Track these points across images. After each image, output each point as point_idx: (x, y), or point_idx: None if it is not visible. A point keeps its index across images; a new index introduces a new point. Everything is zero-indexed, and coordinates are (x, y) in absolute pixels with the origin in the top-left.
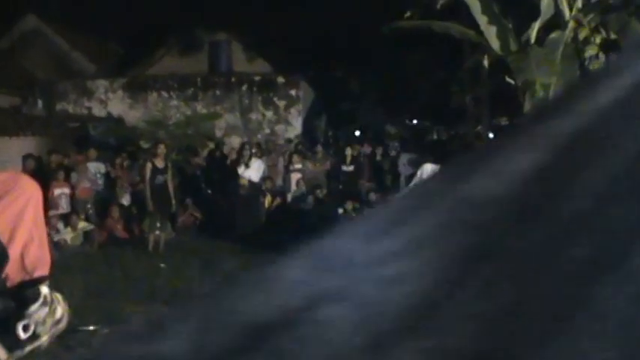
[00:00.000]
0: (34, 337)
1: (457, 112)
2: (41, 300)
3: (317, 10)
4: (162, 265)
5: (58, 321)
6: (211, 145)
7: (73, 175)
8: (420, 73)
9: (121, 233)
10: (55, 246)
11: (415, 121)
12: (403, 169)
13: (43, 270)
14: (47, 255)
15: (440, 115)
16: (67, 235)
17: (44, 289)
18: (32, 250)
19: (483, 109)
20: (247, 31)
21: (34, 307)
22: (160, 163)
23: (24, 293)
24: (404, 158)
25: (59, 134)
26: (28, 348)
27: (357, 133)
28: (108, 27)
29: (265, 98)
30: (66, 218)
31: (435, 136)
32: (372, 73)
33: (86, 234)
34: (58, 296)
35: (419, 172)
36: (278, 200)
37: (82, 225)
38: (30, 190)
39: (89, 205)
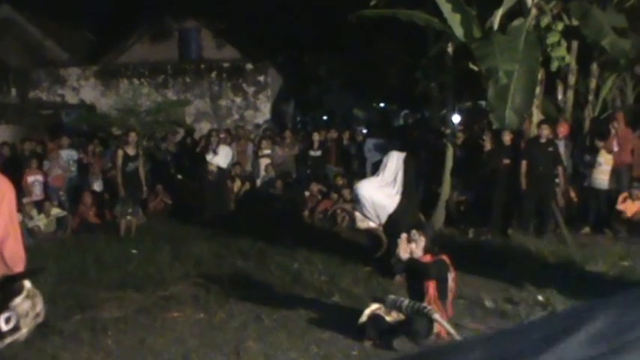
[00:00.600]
0: (15, 329)
1: (423, 96)
2: (25, 293)
3: None
4: (133, 251)
5: (38, 314)
6: (181, 132)
7: (46, 163)
8: (386, 57)
9: (93, 219)
10: (29, 233)
11: (382, 105)
12: (369, 154)
13: (20, 266)
14: (22, 251)
15: (406, 99)
16: (40, 221)
17: (27, 283)
18: (9, 245)
19: (448, 94)
20: (216, 18)
21: (17, 300)
22: (131, 151)
23: (8, 287)
24: (369, 143)
25: (32, 122)
26: (9, 340)
27: (325, 117)
28: (81, 15)
29: (234, 85)
30: (39, 205)
31: (402, 121)
32: (340, 58)
33: (59, 220)
34: (37, 291)
35: (385, 159)
36: (247, 185)
37: (55, 211)
38: (4, 186)
39: (62, 192)
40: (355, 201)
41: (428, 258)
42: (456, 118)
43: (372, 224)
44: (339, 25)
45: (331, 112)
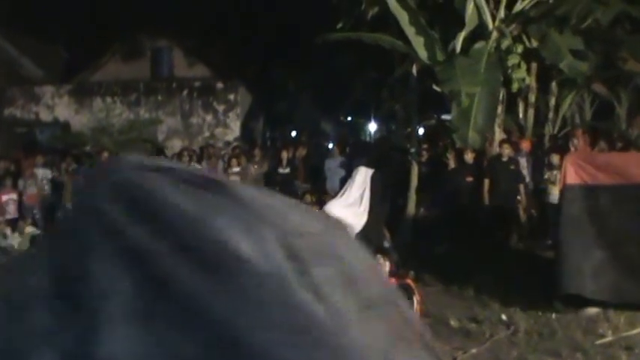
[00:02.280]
0: None
1: (388, 112)
2: None
3: (254, 16)
4: None
5: None
6: (152, 149)
7: (21, 182)
8: (353, 73)
9: None
10: (3, 252)
11: (349, 118)
12: (333, 172)
13: None
14: None
15: (373, 112)
16: (14, 240)
17: None
18: None
19: (412, 112)
20: (188, 37)
21: None
22: None
23: None
24: (332, 163)
25: (7, 139)
26: None
27: (294, 133)
28: (55, 33)
29: (205, 103)
30: (13, 224)
31: (368, 135)
32: (308, 74)
33: (33, 239)
34: None
35: (353, 173)
36: None
37: (29, 230)
38: None
39: (36, 210)
40: None
41: (392, 282)
42: (421, 131)
43: None
44: (307, 42)
45: (300, 127)
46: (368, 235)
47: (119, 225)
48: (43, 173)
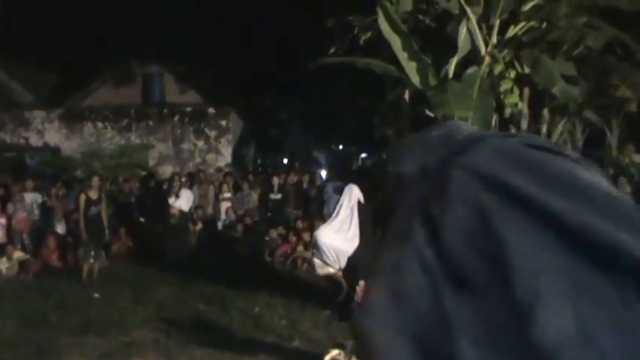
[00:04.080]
0: None
1: (381, 139)
2: None
3: (246, 43)
4: (95, 295)
5: None
6: (143, 174)
7: (10, 206)
8: (344, 100)
9: (56, 262)
10: None
11: (341, 147)
12: (327, 197)
13: None
14: None
15: (365, 141)
16: (2, 265)
17: None
18: None
19: (405, 137)
20: (179, 63)
21: None
22: (93, 195)
23: None
24: (329, 187)
25: None
26: None
27: (285, 160)
28: (46, 58)
29: (196, 129)
30: (2, 248)
31: (360, 163)
32: (299, 101)
33: (21, 263)
34: None
35: (346, 190)
36: (200, 227)
37: (18, 255)
38: None
39: (25, 235)
40: (315, 247)
41: None
42: None
43: (331, 270)
44: (299, 68)
45: (292, 153)
46: (359, 261)
47: (533, 195)
48: (33, 197)
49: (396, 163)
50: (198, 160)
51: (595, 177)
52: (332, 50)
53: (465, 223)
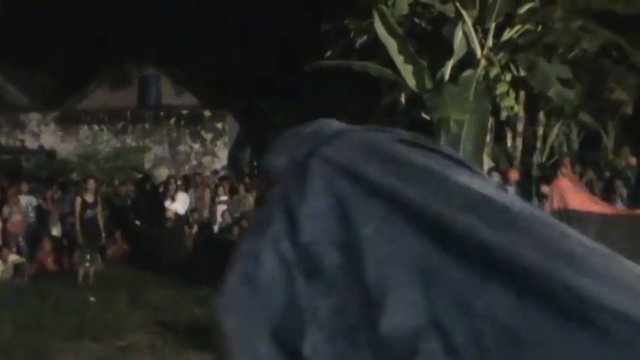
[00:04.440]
0: None
1: None
2: None
3: (244, 45)
4: (91, 298)
5: None
6: (139, 176)
7: (5, 209)
8: (341, 102)
9: (51, 266)
10: None
11: None
12: None
13: None
14: None
15: None
16: None
17: None
18: None
19: None
20: (175, 66)
21: None
22: (89, 198)
23: None
24: None
25: None
26: None
27: None
28: (41, 60)
29: (193, 131)
30: None
31: None
32: (296, 104)
33: (17, 267)
34: None
35: None
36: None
37: (13, 258)
38: None
39: (20, 238)
40: None
41: None
42: None
43: None
44: (295, 71)
45: None
46: None
47: (387, 185)
48: (29, 200)
49: (270, 157)
50: (194, 162)
51: (464, 176)
52: (328, 53)
53: (322, 212)
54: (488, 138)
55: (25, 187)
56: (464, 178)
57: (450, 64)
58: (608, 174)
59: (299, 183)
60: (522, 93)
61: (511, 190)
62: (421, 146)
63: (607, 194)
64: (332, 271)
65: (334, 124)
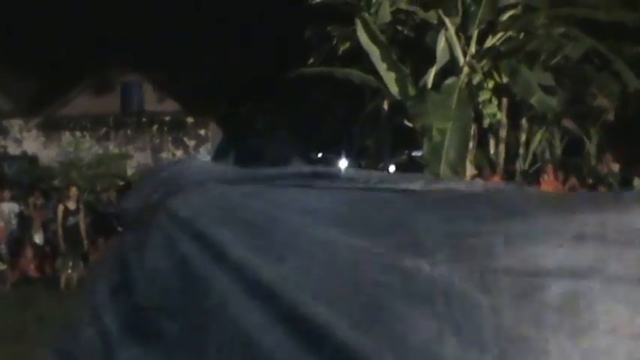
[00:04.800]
0: None
1: (360, 149)
2: None
3: (225, 51)
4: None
5: None
6: (122, 184)
7: None
8: (324, 108)
9: (33, 273)
10: None
11: (320, 155)
12: None
13: None
14: None
15: (344, 148)
16: None
17: None
18: None
19: (384, 148)
20: (158, 72)
21: None
22: (71, 205)
23: None
24: None
25: None
26: None
27: None
28: (24, 66)
29: (175, 138)
30: None
31: None
32: (279, 110)
33: None
34: None
35: None
36: None
37: None
38: None
39: (2, 245)
40: None
41: None
42: (392, 168)
43: None
44: (277, 77)
45: (272, 163)
46: None
47: (224, 243)
48: (10, 207)
49: (126, 198)
50: None
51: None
52: (310, 61)
53: (163, 273)
54: (471, 145)
55: (6, 194)
56: (329, 232)
57: (432, 72)
58: (590, 180)
59: (143, 236)
60: (505, 100)
61: None
62: (320, 178)
63: None
64: (172, 338)
65: (200, 167)
